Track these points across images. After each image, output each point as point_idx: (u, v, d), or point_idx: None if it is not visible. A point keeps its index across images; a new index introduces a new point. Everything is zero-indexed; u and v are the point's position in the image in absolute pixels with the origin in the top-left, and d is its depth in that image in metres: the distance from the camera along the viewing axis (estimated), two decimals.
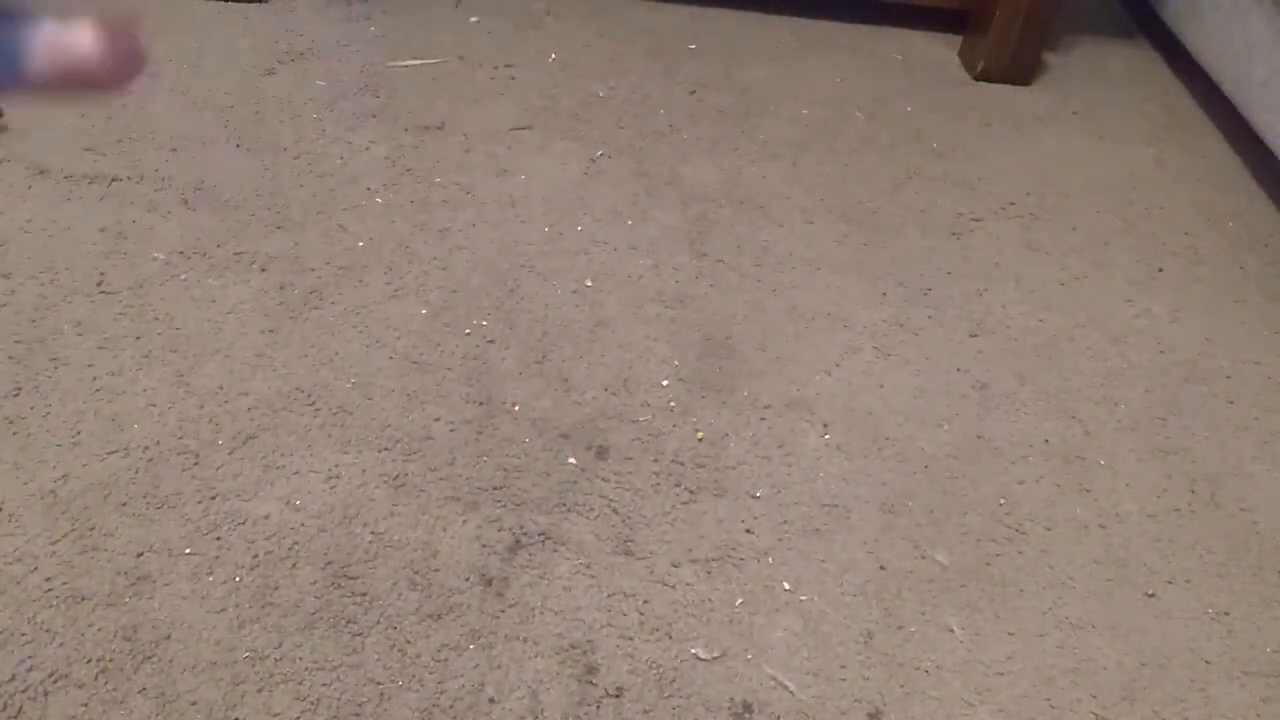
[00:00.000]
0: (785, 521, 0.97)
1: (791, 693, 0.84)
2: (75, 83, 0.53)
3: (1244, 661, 0.91)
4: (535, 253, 1.21)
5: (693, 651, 0.86)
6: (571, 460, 0.99)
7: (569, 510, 0.95)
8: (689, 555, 0.93)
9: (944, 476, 1.03)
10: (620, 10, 1.69)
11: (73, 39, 0.52)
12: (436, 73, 1.49)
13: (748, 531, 0.96)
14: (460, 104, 1.43)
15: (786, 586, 0.92)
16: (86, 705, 0.77)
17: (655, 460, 1.00)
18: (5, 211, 1.16)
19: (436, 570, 0.89)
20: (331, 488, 0.94)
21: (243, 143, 1.31)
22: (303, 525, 0.90)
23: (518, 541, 0.92)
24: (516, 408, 1.03)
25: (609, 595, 0.89)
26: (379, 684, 0.81)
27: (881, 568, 0.94)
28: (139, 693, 0.78)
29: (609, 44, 1.61)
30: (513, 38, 1.59)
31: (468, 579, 0.88)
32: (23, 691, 0.77)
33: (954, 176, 1.43)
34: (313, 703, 0.79)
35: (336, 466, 0.96)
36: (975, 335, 1.19)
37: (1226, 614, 0.94)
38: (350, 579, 0.87)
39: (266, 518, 0.91)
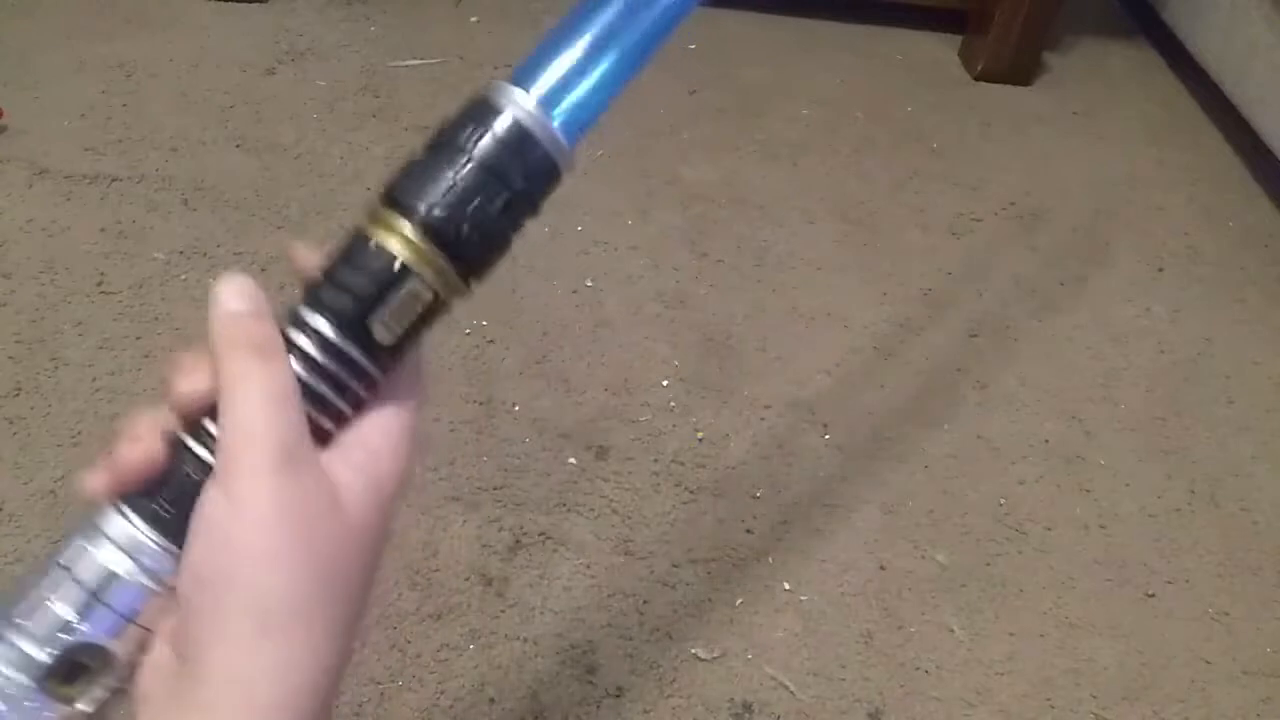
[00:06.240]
0: (785, 521, 0.97)
1: (791, 693, 0.84)
2: None
3: (1244, 661, 0.91)
4: (535, 253, 1.21)
5: (693, 651, 0.86)
6: (571, 460, 0.99)
7: (569, 510, 0.95)
8: (689, 555, 0.93)
9: (944, 476, 1.03)
10: None
11: None
12: (436, 73, 1.49)
13: (748, 531, 0.96)
14: (460, 104, 1.43)
15: (786, 586, 0.92)
16: None
17: (655, 460, 1.00)
18: (5, 211, 1.16)
19: (436, 570, 0.89)
20: None
21: (243, 143, 1.31)
22: None
23: (518, 541, 0.92)
24: (517, 408, 1.03)
25: (609, 595, 0.89)
26: (379, 684, 0.81)
27: (881, 568, 0.94)
28: None
29: None
30: (513, 38, 1.59)
31: (468, 579, 0.88)
32: None
33: (954, 176, 1.43)
34: None
35: None
36: (975, 335, 1.19)
37: (1226, 614, 0.94)
38: None
39: None
